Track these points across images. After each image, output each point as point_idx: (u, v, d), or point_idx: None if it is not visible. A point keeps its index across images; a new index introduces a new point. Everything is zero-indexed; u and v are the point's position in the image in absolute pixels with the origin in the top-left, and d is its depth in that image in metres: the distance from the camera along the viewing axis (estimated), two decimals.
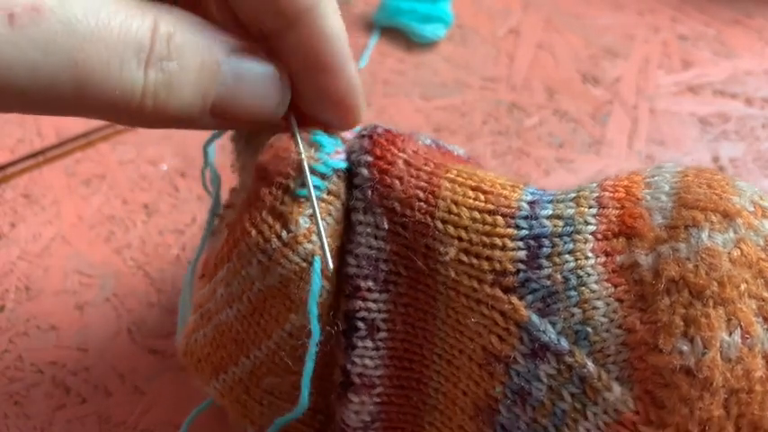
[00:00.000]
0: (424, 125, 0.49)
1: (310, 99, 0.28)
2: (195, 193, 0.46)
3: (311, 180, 0.28)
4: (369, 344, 0.29)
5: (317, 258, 0.27)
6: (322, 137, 0.29)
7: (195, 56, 0.24)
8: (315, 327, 0.27)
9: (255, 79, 0.26)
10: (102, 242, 0.44)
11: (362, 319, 0.29)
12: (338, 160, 0.29)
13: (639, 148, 0.48)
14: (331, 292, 0.28)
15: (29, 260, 0.43)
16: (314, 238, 0.27)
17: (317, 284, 0.27)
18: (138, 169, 0.47)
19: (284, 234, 0.27)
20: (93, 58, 0.21)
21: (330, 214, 0.28)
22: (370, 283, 0.28)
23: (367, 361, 0.29)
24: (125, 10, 0.22)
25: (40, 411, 0.38)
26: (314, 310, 0.27)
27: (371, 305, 0.28)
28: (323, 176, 0.28)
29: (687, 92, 0.51)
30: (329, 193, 0.28)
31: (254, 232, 0.27)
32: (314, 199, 0.27)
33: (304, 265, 0.27)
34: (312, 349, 0.27)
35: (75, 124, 0.50)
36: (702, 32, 0.54)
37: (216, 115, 0.25)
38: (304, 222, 0.27)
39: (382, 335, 0.29)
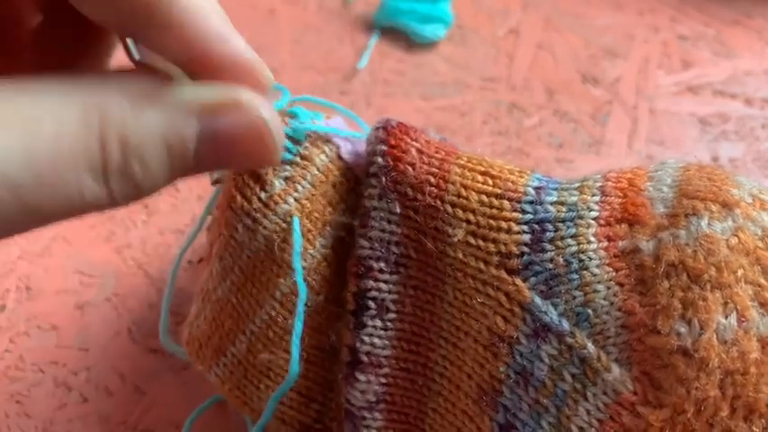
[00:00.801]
0: (424, 125, 0.49)
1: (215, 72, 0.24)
2: (195, 193, 0.46)
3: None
4: (378, 323, 0.30)
5: (296, 218, 0.29)
6: (299, 108, 0.31)
7: (157, 148, 0.21)
8: (301, 285, 0.29)
9: (236, 136, 0.22)
10: (103, 242, 0.44)
11: (373, 299, 0.30)
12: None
13: (639, 148, 0.48)
14: (316, 258, 0.30)
15: (29, 260, 0.43)
16: (290, 199, 0.29)
17: (299, 242, 0.29)
18: None
19: (262, 195, 0.29)
20: (42, 192, 0.19)
21: (305, 178, 0.30)
22: (382, 264, 0.29)
23: (375, 340, 0.30)
24: (64, 127, 0.19)
25: (42, 411, 0.38)
26: (298, 267, 0.29)
27: (382, 285, 0.30)
28: (295, 141, 0.30)
29: (687, 92, 0.51)
30: (302, 157, 0.30)
31: (238, 196, 0.29)
32: None
33: (284, 225, 0.29)
34: (300, 308, 0.29)
35: None
36: (702, 32, 0.55)
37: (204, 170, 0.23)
38: (279, 184, 0.29)
39: (391, 315, 0.30)
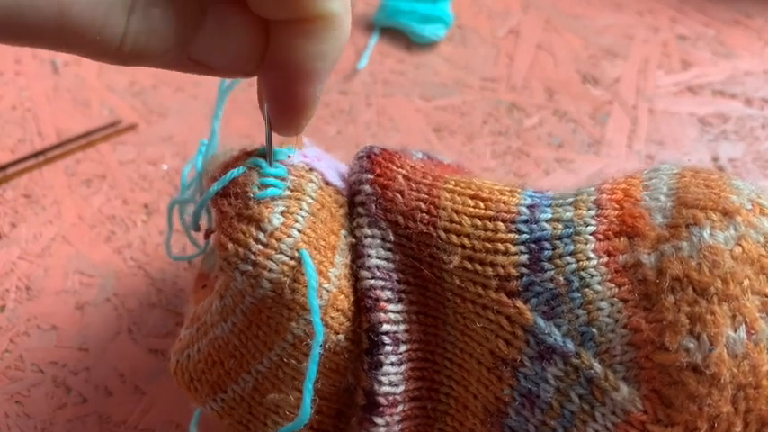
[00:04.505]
0: (424, 125, 0.49)
1: (269, 89, 0.27)
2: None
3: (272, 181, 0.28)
4: (393, 359, 0.28)
5: (304, 251, 0.26)
6: (273, 147, 0.29)
7: (180, 5, 0.23)
8: (318, 325, 0.26)
9: (235, 31, 0.25)
10: (103, 242, 0.44)
11: (386, 333, 0.28)
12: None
13: (639, 149, 0.48)
14: (332, 292, 0.28)
15: (29, 260, 0.43)
16: (293, 232, 0.27)
17: (313, 277, 0.26)
18: (138, 169, 0.47)
19: (261, 236, 0.26)
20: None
21: (302, 208, 0.28)
22: (388, 293, 0.28)
23: (392, 378, 0.29)
24: None
25: (41, 411, 0.38)
26: (315, 306, 0.26)
27: (392, 316, 0.28)
28: (279, 178, 0.28)
29: (686, 92, 0.51)
30: (293, 190, 0.28)
31: (229, 244, 0.27)
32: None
33: (291, 263, 0.26)
34: (315, 351, 0.26)
35: (75, 125, 0.50)
36: (702, 33, 0.55)
37: (194, 61, 0.25)
38: (277, 219, 0.27)
39: (403, 347, 0.29)
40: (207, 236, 0.33)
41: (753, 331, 0.24)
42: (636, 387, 0.25)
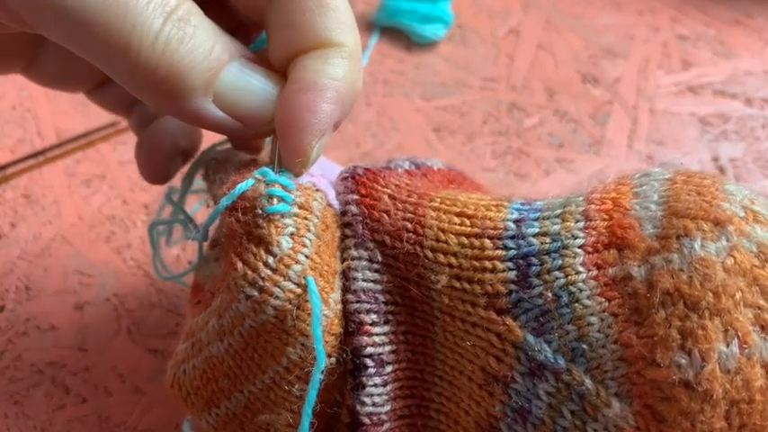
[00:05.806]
0: (424, 125, 0.49)
1: (283, 103, 0.28)
2: (195, 194, 0.46)
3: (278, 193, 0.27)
4: (377, 380, 0.28)
5: (311, 279, 0.26)
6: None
7: (210, 37, 0.25)
8: (320, 352, 0.26)
9: (257, 89, 0.27)
10: (103, 242, 0.44)
11: (370, 356, 0.28)
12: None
13: (639, 148, 0.48)
14: (329, 317, 0.27)
15: (29, 260, 0.43)
16: (301, 258, 0.26)
17: (318, 307, 0.26)
18: (137, 169, 0.47)
19: (270, 260, 0.26)
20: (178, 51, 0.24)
21: (309, 230, 0.27)
22: (374, 317, 0.28)
23: (376, 399, 0.29)
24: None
25: (40, 411, 0.38)
26: (318, 335, 0.26)
27: (377, 339, 0.28)
28: (285, 188, 0.27)
29: (687, 92, 0.51)
30: (300, 207, 0.27)
31: (239, 264, 0.26)
32: None
33: (298, 290, 0.26)
34: (316, 377, 0.26)
35: (75, 124, 0.50)
36: (702, 32, 0.55)
37: (217, 103, 0.26)
38: (286, 242, 0.26)
39: (389, 368, 0.29)
40: (212, 246, 0.32)
41: (745, 345, 0.24)
42: (628, 403, 0.25)
